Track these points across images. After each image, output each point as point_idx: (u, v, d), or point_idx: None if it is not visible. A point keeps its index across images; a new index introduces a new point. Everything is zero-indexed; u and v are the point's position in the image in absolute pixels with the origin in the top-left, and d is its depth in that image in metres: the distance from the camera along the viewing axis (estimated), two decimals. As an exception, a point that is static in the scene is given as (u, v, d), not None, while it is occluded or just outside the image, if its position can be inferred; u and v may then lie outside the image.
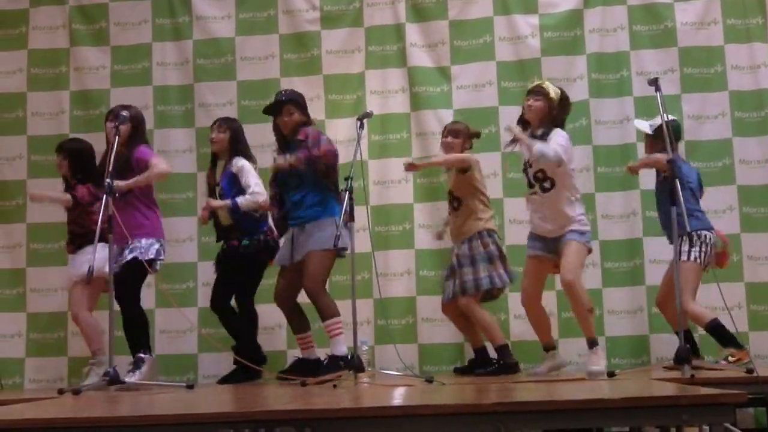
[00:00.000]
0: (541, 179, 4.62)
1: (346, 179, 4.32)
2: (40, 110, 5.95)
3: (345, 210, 4.27)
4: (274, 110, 4.95)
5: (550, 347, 4.77)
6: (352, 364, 4.13)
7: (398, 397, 3.32)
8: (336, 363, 4.55)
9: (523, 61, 5.74)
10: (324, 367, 4.59)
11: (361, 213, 4.67)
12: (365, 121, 4.61)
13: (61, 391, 4.23)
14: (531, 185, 4.69)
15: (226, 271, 5.08)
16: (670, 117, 4.80)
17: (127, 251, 4.74)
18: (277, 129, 4.98)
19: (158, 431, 2.59)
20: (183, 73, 5.95)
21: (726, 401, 2.60)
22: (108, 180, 4.33)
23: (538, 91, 4.68)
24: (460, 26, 5.86)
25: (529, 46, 5.77)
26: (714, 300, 4.67)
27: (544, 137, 4.57)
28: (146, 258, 4.72)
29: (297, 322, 4.91)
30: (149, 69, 5.96)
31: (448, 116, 5.55)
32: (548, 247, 4.66)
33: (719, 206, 5.41)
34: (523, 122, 4.75)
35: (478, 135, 5.13)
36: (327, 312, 4.68)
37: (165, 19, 6.02)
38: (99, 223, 4.41)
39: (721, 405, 2.59)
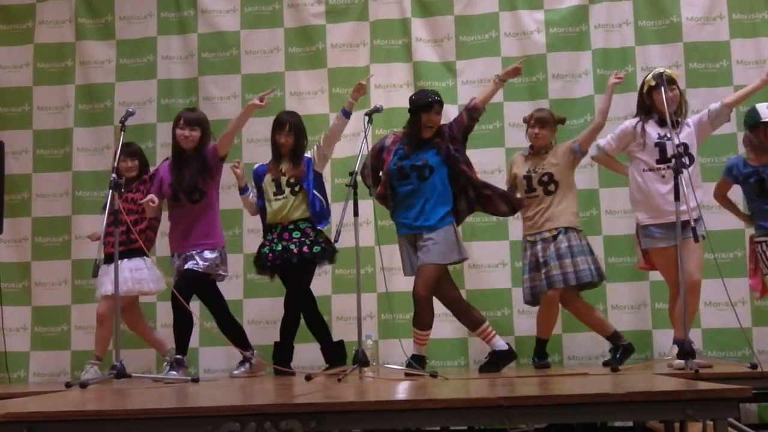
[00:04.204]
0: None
1: (351, 174, 4.32)
2: (46, 104, 5.97)
3: (347, 205, 4.28)
4: (424, 107, 4.70)
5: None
6: (362, 358, 4.14)
7: (403, 391, 3.32)
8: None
9: (528, 57, 5.72)
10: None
11: (366, 207, 4.66)
12: (373, 116, 4.61)
13: (68, 385, 4.24)
14: None
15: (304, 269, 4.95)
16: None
17: (194, 262, 4.74)
18: (414, 127, 4.73)
19: (165, 424, 2.60)
20: (188, 67, 5.96)
21: (730, 396, 2.59)
22: (113, 175, 4.35)
23: (673, 80, 4.63)
24: (466, 21, 5.85)
25: (535, 42, 5.77)
26: (718, 295, 4.68)
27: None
28: (215, 274, 4.82)
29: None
30: (154, 63, 5.97)
31: (453, 111, 5.53)
32: None
33: (725, 202, 5.39)
34: (645, 109, 4.71)
35: (563, 121, 5.03)
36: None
37: (170, 12, 6.03)
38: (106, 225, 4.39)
39: (726, 400, 2.59)
